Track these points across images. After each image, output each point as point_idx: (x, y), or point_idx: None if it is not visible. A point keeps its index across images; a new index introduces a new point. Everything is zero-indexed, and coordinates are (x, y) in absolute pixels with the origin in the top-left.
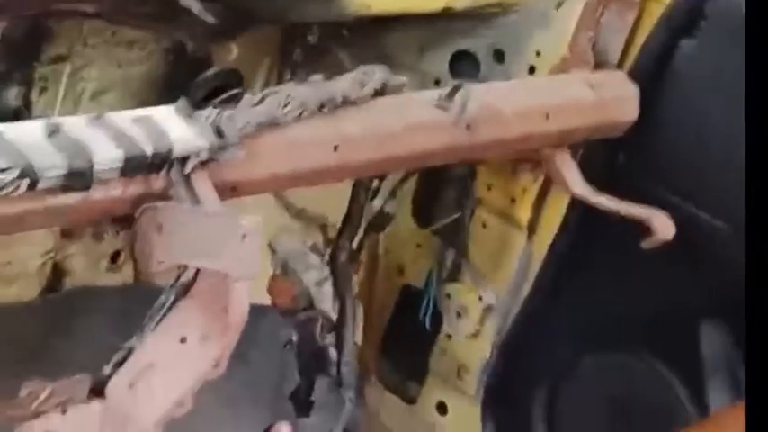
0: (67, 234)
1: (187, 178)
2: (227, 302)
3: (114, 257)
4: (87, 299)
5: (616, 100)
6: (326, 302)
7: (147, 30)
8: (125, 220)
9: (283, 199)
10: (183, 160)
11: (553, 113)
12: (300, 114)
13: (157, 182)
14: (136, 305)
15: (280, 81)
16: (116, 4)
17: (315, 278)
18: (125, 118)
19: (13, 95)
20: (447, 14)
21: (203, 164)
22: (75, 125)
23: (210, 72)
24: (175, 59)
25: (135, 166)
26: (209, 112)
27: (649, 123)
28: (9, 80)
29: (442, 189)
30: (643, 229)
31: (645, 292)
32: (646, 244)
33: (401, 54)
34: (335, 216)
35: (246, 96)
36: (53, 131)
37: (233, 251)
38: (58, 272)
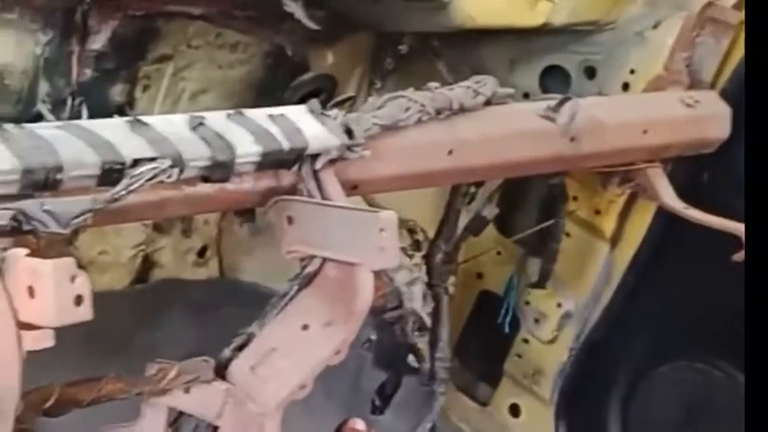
0: (158, 228)
1: (316, 174)
2: (354, 292)
3: (201, 252)
4: (174, 291)
5: (710, 118)
6: (417, 301)
7: (249, 33)
8: (247, 211)
9: (372, 201)
10: (313, 157)
11: (651, 129)
12: (419, 119)
13: (287, 177)
14: (220, 299)
15: (370, 88)
16: (222, 7)
17: (405, 278)
18: (261, 115)
19: (117, 92)
20: (541, 30)
21: (331, 161)
22: (217, 119)
23: (307, 76)
24: (274, 63)
25: (272, 160)
26: (335, 113)
27: (737, 142)
28: (116, 77)
29: (525, 200)
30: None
31: (723, 302)
32: (737, 257)
33: (492, 66)
34: (423, 220)
35: (370, 99)
36: (197, 124)
37: (370, 243)
38: (147, 264)
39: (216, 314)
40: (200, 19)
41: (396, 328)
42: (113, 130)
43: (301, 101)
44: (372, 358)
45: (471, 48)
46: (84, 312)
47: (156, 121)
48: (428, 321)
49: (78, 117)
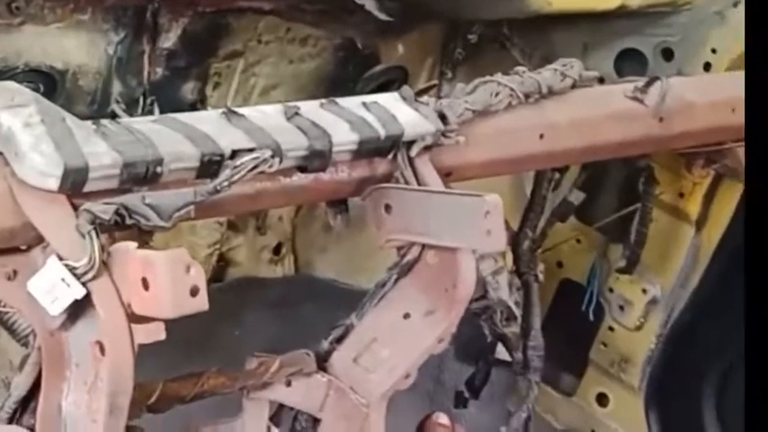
0: (233, 227)
1: (412, 162)
2: (456, 278)
3: (277, 249)
4: (250, 289)
5: None
6: (503, 291)
7: (320, 27)
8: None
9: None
10: (408, 144)
11: (738, 107)
12: (509, 103)
13: (382, 165)
14: (296, 295)
15: (441, 78)
16: (292, 1)
17: (490, 268)
18: (354, 102)
19: (189, 89)
20: (615, 13)
21: (426, 148)
22: (312, 108)
23: (378, 68)
24: (345, 56)
25: (368, 148)
26: (427, 99)
27: None
28: (187, 75)
29: (605, 185)
30: None
31: None
32: None
33: (564, 52)
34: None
35: (459, 85)
36: (293, 114)
37: (475, 227)
38: (223, 262)
39: (293, 311)
40: (270, 14)
41: (482, 319)
42: (209, 122)
43: (373, 93)
44: (454, 351)
45: (542, 34)
46: (201, 303)
47: (251, 111)
48: (516, 310)
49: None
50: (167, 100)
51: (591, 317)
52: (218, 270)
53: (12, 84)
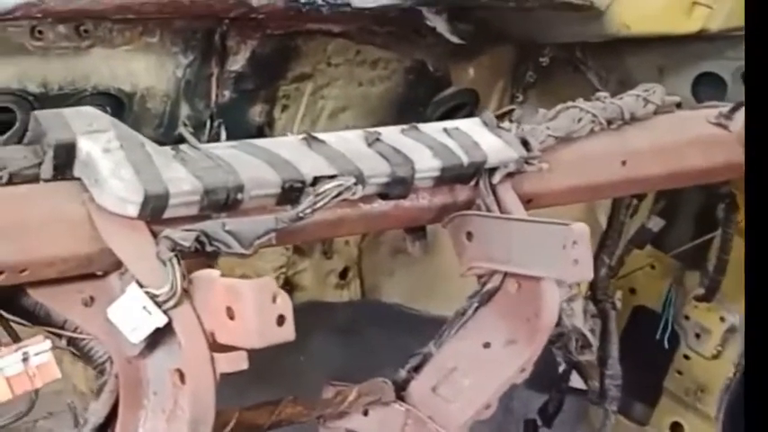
0: (299, 251)
1: (494, 188)
2: (538, 307)
3: (343, 274)
4: (316, 313)
5: None
6: (578, 318)
7: (390, 49)
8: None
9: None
10: (490, 171)
11: None
12: (591, 129)
13: (464, 192)
14: (363, 320)
15: (512, 101)
16: (362, 24)
17: (565, 294)
18: (436, 128)
19: (257, 112)
20: (694, 36)
21: (508, 175)
22: (392, 134)
23: (449, 91)
24: (415, 78)
25: (451, 175)
26: (509, 125)
27: None
28: (255, 98)
29: (681, 211)
30: None
31: None
32: None
33: (639, 75)
34: None
35: (541, 111)
36: (374, 140)
37: (561, 256)
38: (289, 286)
39: (359, 336)
40: (339, 36)
41: (556, 347)
42: (289, 147)
43: (443, 116)
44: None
45: (617, 56)
46: (287, 332)
47: (332, 137)
48: (591, 338)
49: (217, 139)
50: (235, 123)
51: (666, 344)
52: None
53: (89, 109)
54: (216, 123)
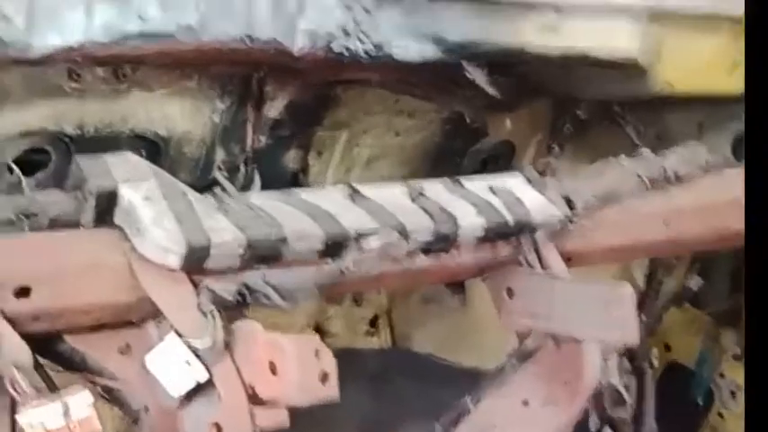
0: (329, 297)
1: (536, 246)
2: (580, 369)
3: (373, 322)
4: (346, 361)
5: None
6: (614, 376)
7: (429, 100)
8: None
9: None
10: (533, 228)
11: None
12: (635, 188)
13: (505, 248)
14: (393, 370)
15: (548, 154)
16: (402, 74)
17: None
18: (480, 184)
19: (292, 158)
20: (734, 95)
21: (551, 233)
22: (436, 190)
23: (486, 142)
24: (452, 129)
25: (495, 233)
26: (552, 182)
27: None
28: (290, 144)
29: (719, 270)
30: None
31: None
32: None
33: (679, 132)
34: None
35: (584, 168)
36: (417, 195)
37: (605, 318)
38: (318, 333)
39: (390, 385)
40: (378, 86)
41: (590, 403)
42: (332, 200)
43: (479, 167)
44: None
45: (656, 112)
46: (331, 391)
47: (374, 190)
48: (626, 395)
49: (251, 184)
50: (269, 168)
51: (700, 402)
52: None
53: (131, 156)
54: (250, 168)
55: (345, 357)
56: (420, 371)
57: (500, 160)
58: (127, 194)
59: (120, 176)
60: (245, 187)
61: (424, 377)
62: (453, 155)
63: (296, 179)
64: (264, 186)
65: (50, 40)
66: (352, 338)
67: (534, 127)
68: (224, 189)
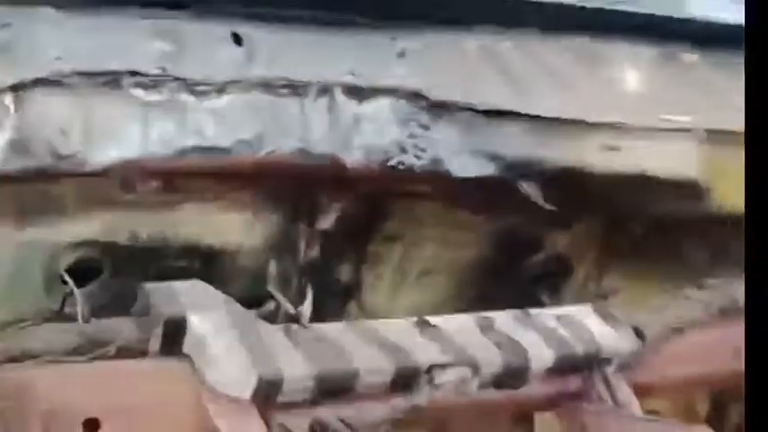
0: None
1: (607, 380)
2: None
3: None
4: None
5: None
6: None
7: (482, 213)
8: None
9: None
10: (603, 361)
11: None
12: (704, 319)
13: (575, 381)
14: None
15: (602, 271)
16: (458, 189)
17: None
18: (547, 315)
19: (345, 271)
20: None
21: (621, 367)
22: (505, 321)
23: (540, 257)
24: (505, 243)
25: (564, 366)
26: (621, 315)
27: None
28: (342, 257)
29: None
30: None
31: None
32: None
33: (737, 250)
34: None
35: (654, 300)
36: (486, 326)
37: None
38: None
39: None
40: (430, 199)
41: None
42: (401, 331)
43: (533, 282)
44: None
45: (715, 233)
46: None
47: (443, 322)
48: None
49: (303, 297)
50: (321, 281)
51: None
52: None
53: (200, 284)
54: (302, 281)
55: None
56: None
57: (555, 276)
58: (196, 324)
59: (190, 304)
60: (298, 301)
61: None
62: (507, 269)
63: (349, 293)
64: (317, 300)
65: (106, 153)
66: None
67: (589, 242)
68: (278, 302)
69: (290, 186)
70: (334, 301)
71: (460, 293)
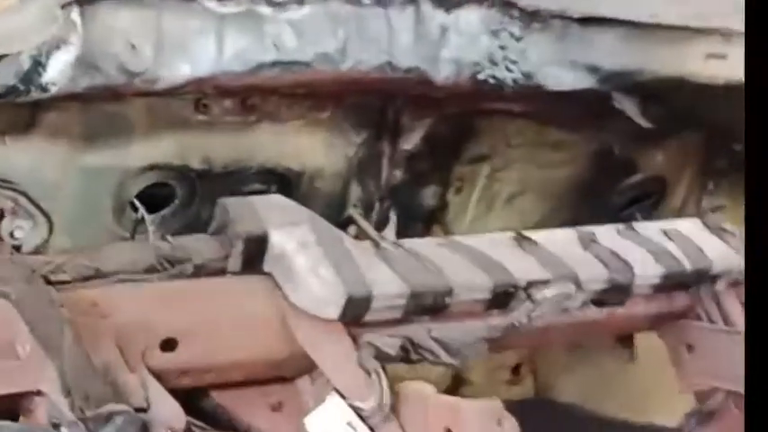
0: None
1: (717, 297)
2: None
3: (515, 369)
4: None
5: None
6: None
7: (574, 131)
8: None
9: None
10: (713, 278)
11: None
12: None
13: (681, 299)
14: (535, 421)
15: (702, 190)
16: (546, 104)
17: None
18: (654, 230)
19: (430, 194)
20: None
21: (732, 284)
22: (608, 235)
23: (637, 178)
24: (599, 163)
25: (673, 282)
26: (733, 229)
27: None
28: (427, 179)
29: None
30: None
31: None
32: None
33: None
34: None
35: None
36: (589, 242)
37: None
38: (457, 382)
39: None
40: (520, 117)
41: None
42: (499, 247)
43: (629, 204)
44: None
45: None
46: None
47: (542, 237)
48: None
49: (386, 222)
50: (405, 205)
51: None
52: (453, 390)
53: (282, 199)
54: (385, 205)
55: None
56: (564, 422)
57: (651, 197)
58: (278, 240)
59: (271, 221)
60: (381, 226)
61: (570, 429)
62: (600, 190)
63: (433, 217)
64: (400, 224)
65: (180, 70)
66: (492, 388)
67: (686, 161)
68: (360, 228)
69: (373, 104)
70: (419, 226)
71: (552, 217)
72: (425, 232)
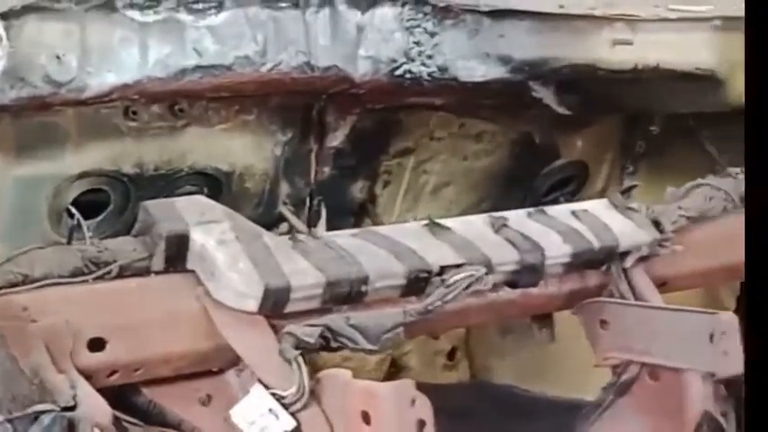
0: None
1: (626, 273)
2: (682, 401)
3: (451, 354)
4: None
5: None
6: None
7: (495, 122)
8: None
9: None
10: (622, 255)
11: None
12: (725, 208)
13: (594, 277)
14: (473, 403)
15: (622, 173)
16: (467, 96)
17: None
18: (563, 211)
19: (358, 189)
20: None
21: (641, 259)
22: (519, 219)
23: (558, 163)
24: (521, 151)
25: (581, 261)
26: (639, 206)
27: None
28: (355, 174)
29: None
30: None
31: None
32: None
33: None
34: None
35: (670, 189)
36: (500, 226)
37: (707, 348)
38: (395, 368)
39: (470, 419)
40: (441, 109)
41: None
42: (412, 235)
43: (551, 189)
44: None
45: (733, 125)
46: None
47: (455, 223)
48: (723, 423)
49: (318, 217)
50: (335, 200)
51: None
52: (390, 377)
53: (202, 198)
54: (316, 201)
55: (423, 392)
56: (501, 403)
57: (573, 182)
58: (199, 238)
59: (192, 219)
60: (312, 221)
61: (507, 409)
62: (524, 178)
63: (363, 210)
64: (331, 219)
65: (105, 78)
66: (429, 373)
67: (606, 145)
68: (291, 224)
69: (297, 104)
70: (349, 219)
71: (477, 206)
72: (356, 226)
